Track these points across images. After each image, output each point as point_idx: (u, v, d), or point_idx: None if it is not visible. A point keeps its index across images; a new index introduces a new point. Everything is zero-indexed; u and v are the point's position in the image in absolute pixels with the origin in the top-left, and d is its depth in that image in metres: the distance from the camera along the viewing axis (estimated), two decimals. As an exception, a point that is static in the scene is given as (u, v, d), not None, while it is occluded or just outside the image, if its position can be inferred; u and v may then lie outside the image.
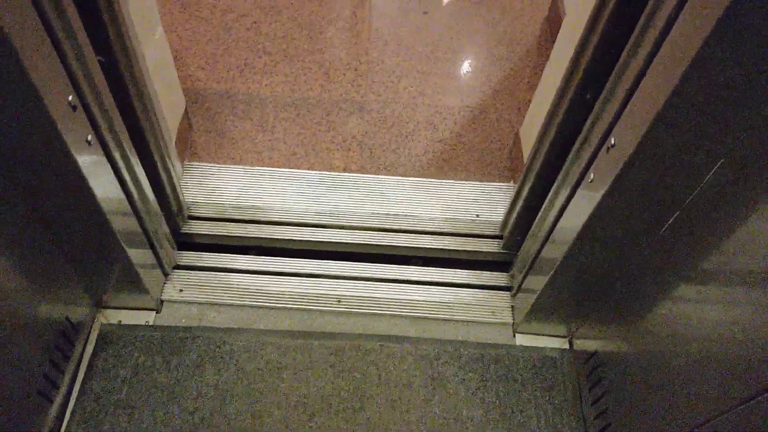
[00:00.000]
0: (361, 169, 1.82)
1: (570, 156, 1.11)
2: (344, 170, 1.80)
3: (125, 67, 1.12)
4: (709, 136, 0.82)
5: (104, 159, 1.07)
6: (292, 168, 1.78)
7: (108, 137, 1.06)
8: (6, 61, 0.76)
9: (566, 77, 1.10)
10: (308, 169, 1.78)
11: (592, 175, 1.00)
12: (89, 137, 0.99)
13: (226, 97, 1.96)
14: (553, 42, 1.62)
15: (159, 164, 1.35)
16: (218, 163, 1.75)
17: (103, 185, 1.06)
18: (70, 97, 0.92)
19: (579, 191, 1.07)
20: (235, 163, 1.78)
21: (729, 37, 0.68)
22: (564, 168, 1.15)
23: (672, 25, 0.78)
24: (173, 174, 1.43)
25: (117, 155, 1.10)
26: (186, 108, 1.79)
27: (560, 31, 1.58)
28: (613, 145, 0.92)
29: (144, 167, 1.25)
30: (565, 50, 1.44)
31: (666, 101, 0.77)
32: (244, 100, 1.96)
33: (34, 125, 0.88)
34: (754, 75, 0.73)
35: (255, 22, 2.19)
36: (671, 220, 0.99)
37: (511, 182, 1.78)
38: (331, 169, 1.80)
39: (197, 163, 1.73)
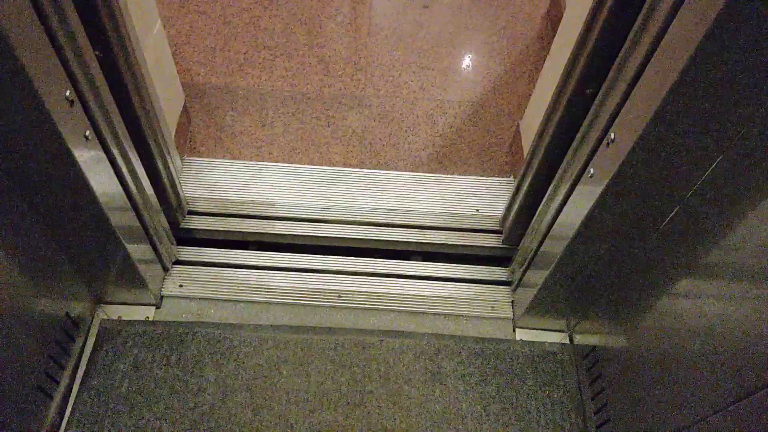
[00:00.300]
0: (361, 164, 1.81)
1: (570, 151, 1.11)
2: (344, 165, 1.80)
3: (123, 61, 1.12)
4: (709, 132, 0.82)
5: (102, 154, 1.06)
6: (292, 163, 1.77)
7: (106, 132, 1.06)
8: (2, 56, 0.76)
9: (566, 72, 1.10)
10: (308, 163, 1.78)
11: (591, 170, 1.00)
12: (87, 132, 0.99)
13: (226, 91, 1.96)
14: (554, 36, 1.62)
15: (158, 159, 1.35)
16: (217, 158, 1.75)
17: (102, 180, 1.06)
18: (67, 92, 0.91)
19: (579, 186, 1.07)
20: (234, 158, 1.78)
21: (728, 32, 0.68)
22: (564, 163, 1.14)
23: (671, 20, 0.77)
24: (172, 169, 1.42)
25: (115, 150, 1.10)
26: (185, 102, 1.79)
27: (560, 25, 1.57)
28: (612, 141, 0.91)
29: (143, 162, 1.25)
30: (565, 45, 1.43)
31: (665, 96, 0.77)
32: (243, 95, 1.95)
33: (32, 121, 0.87)
34: (753, 70, 0.72)
35: (254, 17, 2.18)
36: (671, 215, 0.99)
37: (511, 176, 1.78)
38: (330, 163, 1.80)
39: (196, 158, 1.73)
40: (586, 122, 1.03)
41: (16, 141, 0.92)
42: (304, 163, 1.78)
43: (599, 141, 0.97)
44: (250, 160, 1.75)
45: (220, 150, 1.81)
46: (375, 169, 1.78)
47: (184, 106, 1.78)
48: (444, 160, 1.84)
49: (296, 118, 1.91)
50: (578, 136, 1.06)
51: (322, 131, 1.89)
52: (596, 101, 1.00)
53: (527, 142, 1.69)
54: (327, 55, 2.10)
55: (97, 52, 1.04)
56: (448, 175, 1.75)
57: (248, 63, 2.04)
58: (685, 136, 0.83)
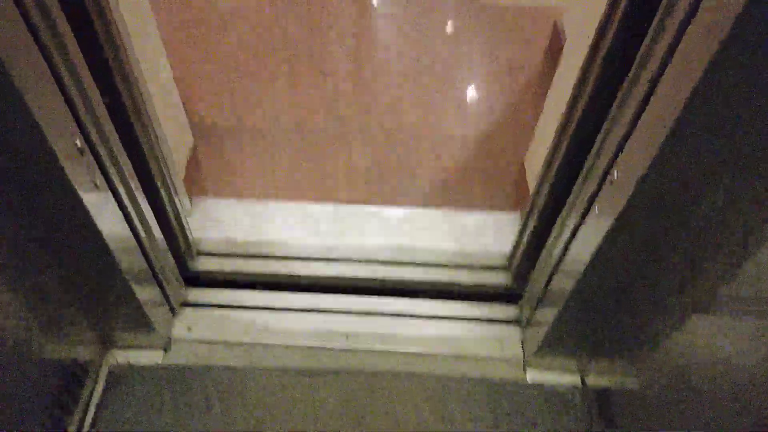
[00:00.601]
0: (366, 200, 1.82)
1: (574, 188, 1.11)
2: (349, 201, 1.81)
3: (131, 108, 1.14)
4: (712, 170, 0.82)
5: (112, 200, 1.08)
6: (299, 200, 1.78)
7: (115, 178, 1.07)
8: (13, 108, 0.78)
9: (568, 110, 1.10)
10: (315, 200, 1.79)
11: (596, 209, 1.00)
12: (96, 180, 1.00)
13: (233, 130, 1.99)
14: (555, 68, 1.63)
15: (166, 201, 1.36)
16: (226, 197, 1.77)
17: (111, 225, 1.07)
18: (78, 142, 0.93)
19: (584, 225, 1.07)
20: (242, 196, 1.79)
21: (727, 70, 0.68)
22: (569, 200, 1.14)
23: (670, 57, 0.78)
24: (181, 211, 1.44)
25: (124, 195, 1.11)
26: (194, 143, 1.82)
27: (561, 58, 1.60)
28: (615, 180, 0.91)
29: (151, 204, 1.27)
30: (567, 78, 1.44)
31: (667, 136, 0.77)
32: (250, 133, 1.98)
33: (42, 171, 0.89)
34: (754, 109, 0.72)
35: (260, 55, 2.23)
36: (679, 252, 0.98)
37: (518, 211, 1.77)
38: (337, 199, 1.81)
39: (205, 198, 1.74)
40: (588, 161, 1.03)
41: (26, 189, 0.94)
42: (311, 200, 1.79)
43: (602, 180, 0.97)
44: (258, 199, 1.77)
45: (228, 188, 1.83)
46: (381, 204, 1.79)
47: (193, 146, 1.81)
48: (450, 195, 1.85)
49: (302, 155, 1.93)
50: (582, 173, 1.06)
51: (327, 168, 1.90)
52: (598, 139, 1.00)
53: (532, 177, 1.70)
54: (332, 92, 2.13)
55: (105, 100, 1.06)
56: (454, 211, 1.75)
57: (255, 101, 2.08)
58: (688, 175, 0.82)
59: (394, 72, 2.23)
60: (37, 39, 0.80)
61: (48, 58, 0.84)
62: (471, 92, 2.20)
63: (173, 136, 1.56)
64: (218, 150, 1.93)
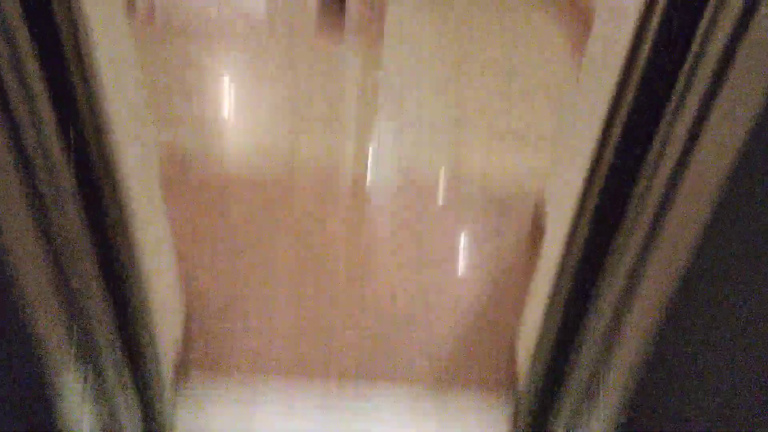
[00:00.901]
0: (356, 380, 1.79)
1: (560, 393, 1.10)
2: (340, 381, 1.78)
3: (135, 302, 1.15)
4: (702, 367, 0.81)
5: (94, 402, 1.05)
6: (290, 379, 1.76)
7: (106, 379, 1.05)
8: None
9: (546, 309, 1.14)
10: (306, 382, 1.75)
11: (585, 418, 0.98)
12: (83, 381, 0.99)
13: (226, 309, 2.01)
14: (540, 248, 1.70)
15: (153, 403, 1.32)
16: (214, 383, 1.73)
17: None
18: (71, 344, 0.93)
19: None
20: (232, 377, 1.76)
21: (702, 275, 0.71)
22: (557, 406, 1.13)
23: (645, 256, 0.81)
24: (167, 411, 1.39)
25: (112, 401, 1.09)
26: (186, 317, 1.83)
27: (543, 248, 1.67)
28: (599, 393, 0.92)
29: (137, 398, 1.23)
30: (548, 265, 1.49)
31: (641, 359, 0.79)
32: (242, 314, 1.99)
33: (26, 364, 0.87)
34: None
35: (258, 236, 2.32)
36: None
37: (512, 391, 1.73)
38: (327, 380, 1.77)
39: (191, 385, 1.70)
40: (573, 355, 1.04)
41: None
42: (302, 381, 1.76)
43: (587, 388, 0.97)
44: (248, 380, 1.73)
45: (218, 368, 1.80)
46: (371, 384, 1.75)
47: (185, 320, 1.81)
48: (441, 374, 1.82)
49: (295, 335, 1.93)
50: (566, 381, 1.06)
51: (321, 350, 1.90)
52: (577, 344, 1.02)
53: (524, 354, 1.68)
54: (326, 272, 2.19)
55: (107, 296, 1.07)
56: (446, 395, 1.72)
57: (251, 280, 2.12)
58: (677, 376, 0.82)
59: (388, 250, 2.32)
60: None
61: (56, 260, 0.85)
62: (460, 268, 2.27)
63: (165, 322, 1.56)
64: (210, 327, 1.94)
